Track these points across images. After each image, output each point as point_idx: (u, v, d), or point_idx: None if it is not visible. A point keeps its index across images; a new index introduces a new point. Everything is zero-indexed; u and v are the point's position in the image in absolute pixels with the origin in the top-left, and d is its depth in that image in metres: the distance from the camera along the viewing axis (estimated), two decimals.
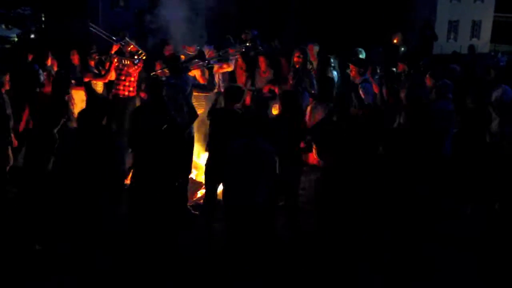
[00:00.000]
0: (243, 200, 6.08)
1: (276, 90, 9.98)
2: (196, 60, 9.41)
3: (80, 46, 10.77)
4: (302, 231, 7.20)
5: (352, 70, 9.32)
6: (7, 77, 7.92)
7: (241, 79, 11.07)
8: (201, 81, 9.79)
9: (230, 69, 10.83)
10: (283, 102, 7.29)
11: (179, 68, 8.54)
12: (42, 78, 9.06)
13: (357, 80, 9.16)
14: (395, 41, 10.40)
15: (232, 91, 7.34)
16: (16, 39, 24.71)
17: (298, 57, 10.02)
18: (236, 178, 6.14)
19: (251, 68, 11.41)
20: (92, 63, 10.14)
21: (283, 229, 7.28)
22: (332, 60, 11.40)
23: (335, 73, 11.07)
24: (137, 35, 12.15)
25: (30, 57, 10.06)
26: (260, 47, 11.54)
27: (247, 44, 10.57)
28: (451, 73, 10.02)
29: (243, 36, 13.52)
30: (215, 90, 10.26)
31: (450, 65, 10.53)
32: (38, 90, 8.61)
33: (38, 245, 6.56)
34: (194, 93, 8.90)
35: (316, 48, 11.84)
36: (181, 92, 8.06)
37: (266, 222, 6.44)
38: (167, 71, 8.91)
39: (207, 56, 10.42)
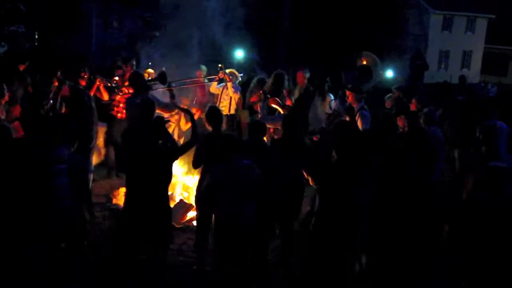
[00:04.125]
0: (234, 221, 6.08)
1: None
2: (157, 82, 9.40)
3: (73, 65, 10.78)
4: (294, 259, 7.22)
5: (348, 97, 8.92)
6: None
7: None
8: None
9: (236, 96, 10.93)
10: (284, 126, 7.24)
11: (141, 87, 8.61)
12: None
13: (355, 107, 8.77)
14: (364, 62, 10.18)
15: (212, 113, 7.28)
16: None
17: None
18: (224, 201, 6.10)
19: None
20: (83, 82, 10.15)
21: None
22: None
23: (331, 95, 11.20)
24: (130, 56, 12.21)
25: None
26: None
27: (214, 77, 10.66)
28: (458, 103, 10.07)
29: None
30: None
31: (457, 96, 10.58)
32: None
33: None
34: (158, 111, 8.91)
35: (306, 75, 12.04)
36: None
37: (258, 244, 6.44)
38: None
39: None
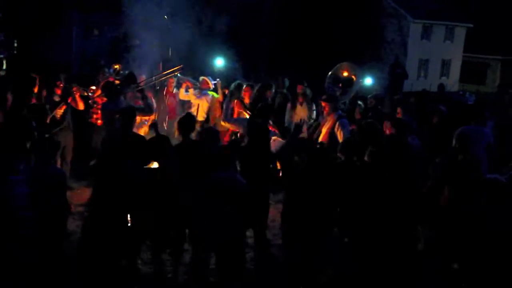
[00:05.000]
0: (220, 233, 6.09)
1: None
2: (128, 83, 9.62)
3: (51, 73, 10.76)
4: (269, 265, 7.21)
5: (325, 107, 8.89)
6: None
7: (217, 111, 11.19)
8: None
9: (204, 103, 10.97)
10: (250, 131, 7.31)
11: (113, 93, 8.86)
12: None
13: (332, 117, 8.76)
14: (345, 74, 10.22)
15: (184, 121, 7.29)
16: None
17: None
18: (213, 212, 6.11)
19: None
20: (58, 91, 10.12)
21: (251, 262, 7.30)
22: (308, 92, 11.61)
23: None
24: (111, 63, 12.21)
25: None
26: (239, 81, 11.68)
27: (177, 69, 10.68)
28: (440, 113, 10.13)
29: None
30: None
31: (438, 106, 10.65)
32: None
33: None
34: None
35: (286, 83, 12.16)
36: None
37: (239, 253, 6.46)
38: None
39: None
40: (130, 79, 9.69)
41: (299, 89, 11.59)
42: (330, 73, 10.25)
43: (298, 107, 11.49)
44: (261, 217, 7.25)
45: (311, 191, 6.28)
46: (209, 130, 7.36)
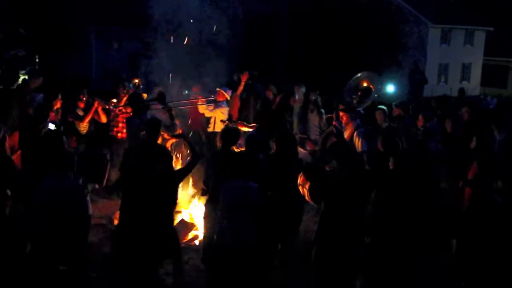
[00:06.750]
0: (236, 240, 6.06)
1: None
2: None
3: (73, 87, 10.90)
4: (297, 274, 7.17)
5: (343, 117, 8.95)
6: None
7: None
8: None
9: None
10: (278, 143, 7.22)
11: (141, 107, 8.95)
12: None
13: (350, 126, 8.83)
14: (365, 84, 10.19)
15: (228, 133, 7.36)
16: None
17: None
18: (229, 219, 6.10)
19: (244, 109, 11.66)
20: (82, 105, 10.26)
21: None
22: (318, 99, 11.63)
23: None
24: (131, 77, 12.29)
25: None
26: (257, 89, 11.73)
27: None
28: (460, 118, 10.06)
29: (235, 77, 13.70)
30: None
31: (458, 112, 10.55)
32: None
33: None
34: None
35: (302, 90, 12.13)
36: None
37: (258, 262, 6.40)
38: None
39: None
40: (160, 99, 9.76)
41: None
42: (351, 80, 10.23)
43: (309, 114, 11.62)
44: (293, 228, 7.16)
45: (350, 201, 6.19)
46: (251, 137, 7.34)
